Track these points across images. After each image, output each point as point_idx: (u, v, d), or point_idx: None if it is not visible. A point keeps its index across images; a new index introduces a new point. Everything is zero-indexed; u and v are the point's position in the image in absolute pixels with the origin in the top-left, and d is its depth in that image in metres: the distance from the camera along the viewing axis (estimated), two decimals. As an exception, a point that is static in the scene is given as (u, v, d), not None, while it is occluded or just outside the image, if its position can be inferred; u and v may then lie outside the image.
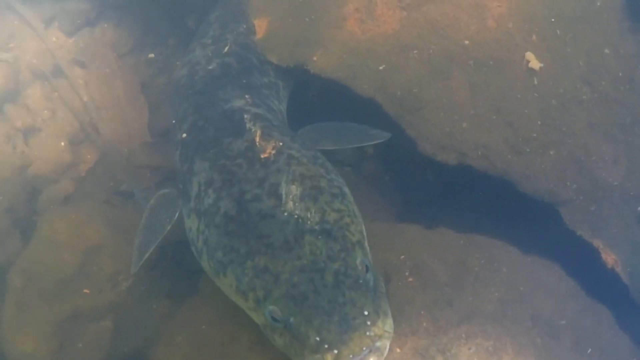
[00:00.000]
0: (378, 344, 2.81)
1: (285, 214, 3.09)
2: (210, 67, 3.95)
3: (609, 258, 3.71)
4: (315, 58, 4.01)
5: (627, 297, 3.71)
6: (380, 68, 3.93)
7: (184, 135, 3.75)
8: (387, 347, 2.83)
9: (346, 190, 3.36)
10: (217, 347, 3.59)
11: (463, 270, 3.48)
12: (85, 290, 4.11)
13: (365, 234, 3.20)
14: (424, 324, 3.35)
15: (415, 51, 3.93)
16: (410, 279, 3.45)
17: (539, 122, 3.80)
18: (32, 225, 4.38)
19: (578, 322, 3.48)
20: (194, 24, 4.82)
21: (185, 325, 3.78)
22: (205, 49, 4.10)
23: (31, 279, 4.07)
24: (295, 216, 3.08)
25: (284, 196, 3.15)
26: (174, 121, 3.97)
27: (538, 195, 3.74)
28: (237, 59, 4.02)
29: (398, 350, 3.26)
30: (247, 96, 3.82)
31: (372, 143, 4.04)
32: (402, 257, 3.53)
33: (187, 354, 3.66)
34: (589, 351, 3.40)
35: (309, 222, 3.08)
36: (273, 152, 3.38)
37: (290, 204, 3.12)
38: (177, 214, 3.59)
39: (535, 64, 3.88)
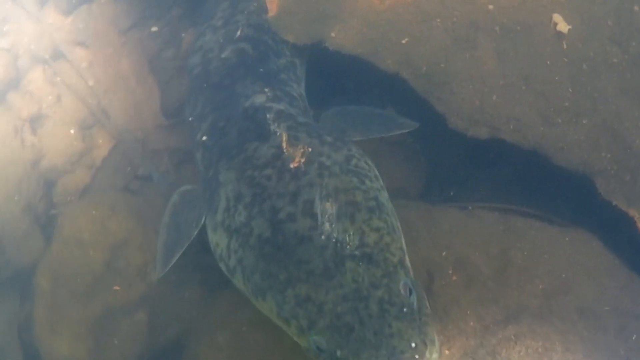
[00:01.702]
0: None
1: (323, 236, 2.90)
2: (224, 56, 3.72)
3: (645, 226, 3.48)
4: (333, 34, 3.78)
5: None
6: (403, 42, 3.69)
7: (205, 137, 3.50)
8: None
9: (382, 197, 3.20)
10: (260, 350, 3.52)
11: (506, 262, 3.41)
12: (115, 287, 3.97)
13: (404, 246, 3.06)
14: (471, 324, 3.28)
15: (438, 19, 3.72)
16: (454, 277, 3.38)
17: (570, 90, 3.62)
18: (52, 220, 4.25)
19: (620, 303, 3.42)
20: (197, -10, 4.42)
21: (225, 325, 3.72)
22: (216, 33, 3.83)
23: (59, 280, 3.98)
24: (334, 240, 2.90)
25: (319, 216, 2.95)
26: (190, 118, 3.77)
27: (572, 167, 3.63)
28: (252, 43, 3.78)
29: (447, 351, 3.21)
30: (266, 89, 3.61)
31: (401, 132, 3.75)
32: (444, 253, 3.45)
33: (230, 356, 3.57)
34: (634, 337, 3.32)
35: (348, 246, 2.90)
36: (302, 160, 3.19)
37: (327, 225, 2.94)
38: (203, 219, 3.41)
39: (563, 26, 3.67)
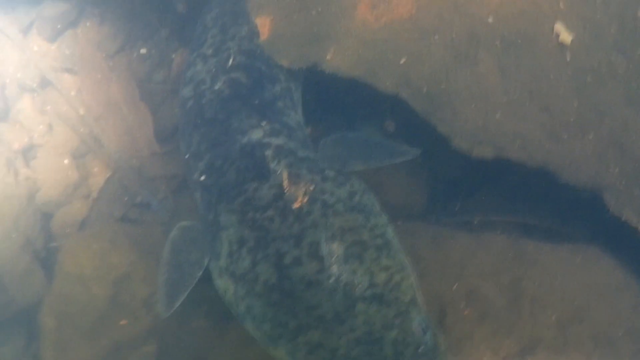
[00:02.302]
0: None
1: (331, 280, 2.83)
2: (216, 88, 3.58)
3: (655, 243, 3.42)
4: (328, 57, 3.66)
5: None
6: (402, 61, 3.55)
7: (202, 177, 3.40)
8: None
9: (389, 234, 3.11)
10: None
11: (518, 292, 3.38)
12: (122, 322, 3.90)
13: (416, 283, 2.99)
14: (486, 358, 3.21)
15: (436, 36, 3.58)
16: (466, 311, 3.34)
17: (576, 104, 3.51)
18: (51, 254, 4.17)
19: (634, 323, 3.39)
20: (184, 8, 4.31)
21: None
22: (207, 63, 3.69)
23: (64, 318, 3.92)
24: (343, 282, 2.82)
25: (326, 259, 2.88)
26: (186, 156, 3.63)
27: (580, 183, 3.53)
28: (245, 72, 3.65)
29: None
30: (263, 123, 3.47)
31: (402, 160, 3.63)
32: (455, 286, 3.38)
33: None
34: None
35: (357, 288, 2.83)
36: (305, 199, 3.08)
37: (335, 267, 2.87)
38: (206, 261, 3.31)
39: (565, 36, 3.57)
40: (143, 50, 4.54)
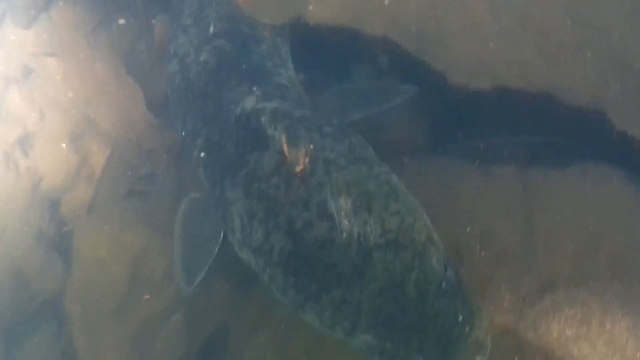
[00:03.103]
0: (482, 343, 2.66)
1: (344, 235, 2.75)
2: (202, 59, 3.45)
3: (664, 154, 3.37)
4: (311, 7, 3.56)
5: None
6: (386, 3, 3.36)
7: (202, 154, 3.32)
8: (489, 341, 2.68)
9: (394, 180, 3.03)
10: (303, 348, 3.49)
11: (532, 228, 3.32)
12: (145, 296, 3.87)
13: (429, 223, 2.93)
14: (507, 298, 3.20)
15: None
16: (482, 253, 3.27)
17: (569, 22, 3.31)
18: (65, 238, 4.08)
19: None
20: (156, -27, 4.06)
21: (263, 325, 3.67)
22: (188, 34, 3.57)
23: (89, 303, 3.92)
24: (355, 235, 2.74)
25: (335, 215, 2.78)
26: (183, 133, 3.54)
27: (583, 103, 3.43)
28: (228, 38, 3.54)
29: (488, 329, 3.00)
30: (254, 88, 3.36)
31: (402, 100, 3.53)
32: (469, 229, 3.33)
33: (275, 355, 3.55)
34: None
35: (371, 237, 2.75)
36: (307, 160, 2.99)
37: (345, 222, 2.79)
38: (221, 235, 3.26)
39: None
40: (122, 21, 4.38)
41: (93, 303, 3.91)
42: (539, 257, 3.23)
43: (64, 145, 4.15)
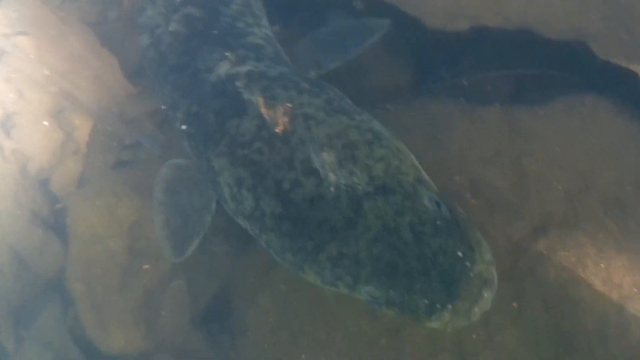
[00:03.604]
0: (487, 276, 2.59)
1: (332, 188, 2.72)
2: (172, 29, 3.29)
3: (650, 79, 3.28)
4: None
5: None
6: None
7: (183, 127, 3.27)
8: (495, 273, 2.63)
9: (375, 126, 2.98)
10: (305, 307, 3.50)
11: (521, 172, 3.29)
12: (145, 267, 3.88)
13: (416, 163, 2.90)
14: (501, 244, 3.16)
15: None
16: (473, 202, 3.25)
17: (544, -46, 3.16)
18: (60, 216, 4.07)
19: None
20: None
21: (262, 287, 3.71)
22: (155, 4, 3.43)
23: (91, 280, 3.91)
24: (343, 187, 2.70)
25: (321, 170, 2.75)
26: (163, 107, 3.51)
27: (563, 36, 3.32)
28: (196, 4, 3.49)
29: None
30: (227, 53, 3.28)
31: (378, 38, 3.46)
32: (457, 177, 3.29)
33: (278, 317, 3.56)
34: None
35: (359, 187, 2.70)
36: (286, 120, 2.94)
37: (332, 175, 2.75)
38: (214, 205, 3.23)
39: None
40: (89, -10, 4.19)
41: (95, 279, 3.89)
42: (530, 201, 3.19)
43: (46, 123, 4.05)
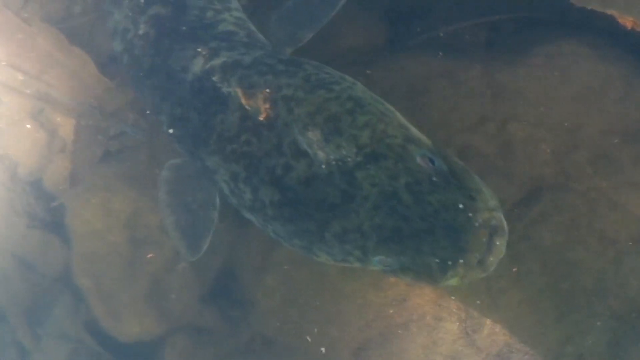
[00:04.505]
0: (494, 223, 2.44)
1: (323, 166, 2.60)
2: (142, 32, 3.12)
3: (627, 21, 3.20)
4: None
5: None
6: None
7: (170, 130, 3.14)
8: (503, 218, 2.49)
9: (357, 91, 2.81)
10: (310, 285, 3.44)
11: (507, 137, 3.15)
12: (149, 255, 3.83)
13: (403, 121, 2.75)
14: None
15: None
16: None
17: None
18: (57, 213, 3.99)
19: (626, 124, 3.15)
20: None
21: (266, 267, 3.62)
22: (122, 8, 3.22)
23: (97, 275, 3.88)
24: (333, 162, 2.58)
25: (309, 150, 2.63)
26: (148, 112, 3.36)
27: None
28: (162, 2, 3.27)
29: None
30: (199, 49, 3.09)
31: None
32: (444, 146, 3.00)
33: (284, 295, 3.53)
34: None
35: (349, 158, 2.57)
36: (268, 106, 2.81)
37: (320, 153, 2.62)
38: (217, 199, 3.16)
39: None
40: (51, -12, 3.94)
41: (101, 273, 3.85)
42: (519, 165, 3.09)
43: (28, 125, 3.89)
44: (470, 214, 2.41)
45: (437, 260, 2.45)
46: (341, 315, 3.36)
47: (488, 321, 3.13)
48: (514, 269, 3.03)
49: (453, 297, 3.13)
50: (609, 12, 3.22)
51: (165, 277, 3.86)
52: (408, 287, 3.21)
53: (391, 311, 3.25)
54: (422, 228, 2.45)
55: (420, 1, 3.67)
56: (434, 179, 2.49)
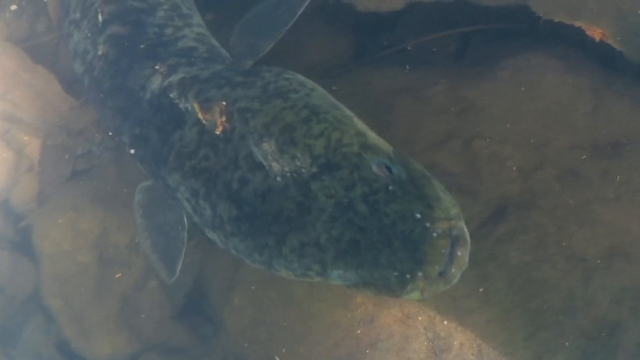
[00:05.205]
0: (454, 232, 2.25)
1: (279, 178, 2.43)
2: (101, 53, 2.93)
3: (595, 33, 3.05)
4: None
5: (625, 62, 3.11)
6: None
7: (132, 151, 2.99)
8: (464, 227, 2.29)
9: (315, 98, 2.63)
10: (277, 305, 3.28)
11: (473, 154, 2.97)
12: (117, 275, 3.71)
13: (362, 128, 2.55)
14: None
15: None
16: None
17: None
18: (26, 233, 3.83)
19: (595, 137, 2.99)
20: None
21: (234, 287, 3.46)
22: (81, 29, 3.06)
23: (67, 296, 3.74)
24: (288, 174, 2.41)
25: (264, 162, 2.46)
26: (110, 133, 3.22)
27: (503, 1, 2.90)
28: (119, 21, 3.07)
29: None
30: (157, 66, 2.93)
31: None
32: None
33: (252, 315, 3.36)
34: (617, 178, 2.91)
35: (303, 169, 2.40)
36: (224, 119, 2.64)
37: (275, 164, 2.45)
38: (186, 220, 2.97)
39: None
40: (13, 7, 3.79)
41: (71, 294, 3.72)
42: (485, 183, 2.91)
43: (-6, 147, 3.71)
44: (428, 224, 2.21)
45: (395, 273, 2.25)
46: (310, 335, 3.20)
47: (456, 341, 2.95)
48: (481, 289, 2.87)
49: (420, 317, 2.96)
50: (577, 24, 3.07)
51: (135, 296, 3.73)
52: (376, 307, 3.06)
53: (359, 331, 3.09)
54: (379, 240, 2.26)
55: (388, 14, 3.48)
56: (391, 187, 2.30)
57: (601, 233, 2.85)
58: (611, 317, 2.83)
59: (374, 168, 2.35)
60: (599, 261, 2.82)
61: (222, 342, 3.59)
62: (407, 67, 3.42)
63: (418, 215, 2.22)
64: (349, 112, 2.62)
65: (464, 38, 3.54)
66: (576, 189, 2.86)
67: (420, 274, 2.21)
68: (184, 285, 3.73)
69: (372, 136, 2.53)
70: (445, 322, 2.96)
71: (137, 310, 3.73)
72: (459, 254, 2.22)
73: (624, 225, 2.86)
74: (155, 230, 3.13)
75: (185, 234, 3.05)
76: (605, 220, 2.86)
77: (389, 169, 2.36)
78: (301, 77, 2.76)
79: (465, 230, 2.26)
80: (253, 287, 3.33)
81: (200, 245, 3.66)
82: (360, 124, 2.57)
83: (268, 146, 2.48)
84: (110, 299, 3.68)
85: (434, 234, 2.20)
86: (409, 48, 3.52)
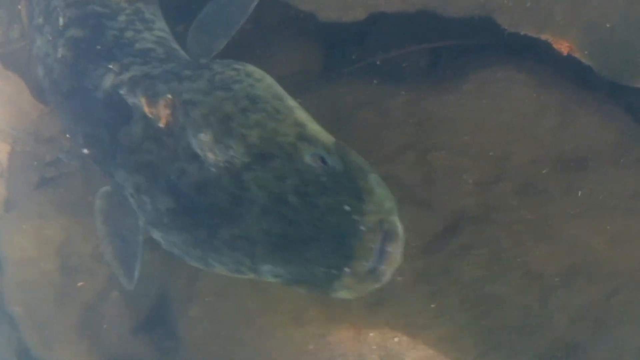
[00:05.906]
0: (386, 227, 2.05)
1: (213, 169, 2.24)
2: (60, 55, 2.79)
3: (562, 46, 2.87)
4: None
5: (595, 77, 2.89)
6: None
7: (85, 150, 2.85)
8: (398, 222, 2.08)
9: (258, 89, 2.43)
10: (232, 317, 3.12)
11: (429, 167, 2.78)
12: (79, 284, 3.53)
13: (302, 119, 2.35)
14: (413, 244, 2.70)
15: None
16: None
17: None
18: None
19: (559, 152, 2.80)
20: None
21: (190, 299, 3.30)
22: (43, 34, 3.01)
23: (29, 303, 3.56)
24: (222, 164, 2.23)
25: (200, 152, 2.28)
26: (67, 135, 3.08)
27: (468, 12, 2.80)
28: (79, 24, 2.95)
29: (399, 278, 2.63)
30: (111, 65, 2.77)
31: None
32: None
33: (207, 328, 3.20)
34: (579, 193, 2.72)
35: (237, 160, 2.21)
36: (169, 112, 2.47)
37: (210, 155, 2.26)
38: (141, 223, 2.72)
39: None
40: (-12, 15, 3.69)
41: (33, 302, 3.55)
42: (440, 196, 2.72)
43: (-38, 154, 3.60)
44: (356, 217, 2.02)
45: (322, 269, 2.06)
46: (264, 350, 3.04)
47: (408, 359, 2.74)
48: (433, 305, 2.66)
49: (372, 334, 2.75)
50: (543, 37, 2.90)
51: (97, 306, 3.57)
52: (327, 322, 2.86)
53: (311, 347, 2.89)
54: (308, 234, 2.07)
55: (357, 27, 3.33)
56: (323, 179, 2.12)
57: (561, 250, 2.64)
58: (569, 338, 2.61)
59: (308, 159, 2.17)
60: (557, 279, 2.61)
61: (181, 356, 3.39)
62: (375, 81, 3.25)
63: (347, 208, 2.04)
64: (292, 103, 2.44)
65: (434, 53, 3.37)
66: (535, 203, 2.66)
67: (347, 270, 2.02)
68: (149, 295, 3.57)
69: (312, 127, 2.34)
70: (396, 340, 2.74)
71: (99, 321, 3.58)
72: (390, 249, 2.02)
73: (586, 242, 2.66)
74: (114, 235, 2.96)
75: (141, 237, 2.86)
76: (565, 237, 2.66)
77: (324, 160, 2.17)
78: (251, 68, 2.57)
79: (399, 224, 2.06)
80: (208, 299, 3.15)
81: (164, 255, 3.47)
82: (301, 115, 2.38)
83: (205, 136, 2.30)
84: (73, 308, 3.53)
85: (362, 228, 2.01)
86: (378, 62, 3.35)
